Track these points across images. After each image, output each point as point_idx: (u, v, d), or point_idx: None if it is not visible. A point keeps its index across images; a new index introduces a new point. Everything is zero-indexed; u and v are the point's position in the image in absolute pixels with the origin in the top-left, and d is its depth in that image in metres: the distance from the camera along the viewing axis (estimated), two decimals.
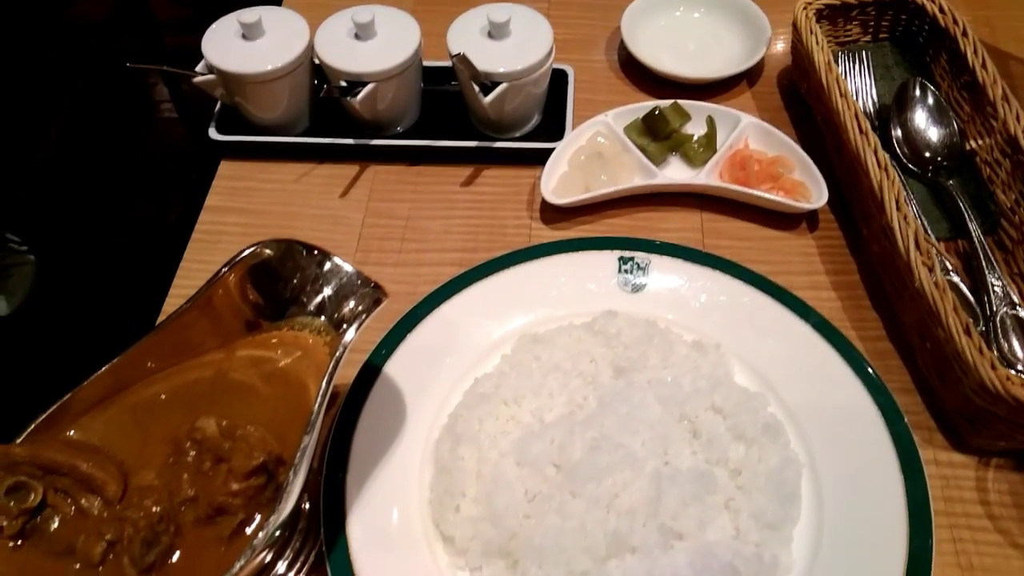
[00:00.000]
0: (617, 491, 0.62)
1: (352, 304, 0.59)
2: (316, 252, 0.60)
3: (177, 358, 0.60)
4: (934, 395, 0.72)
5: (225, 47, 0.84)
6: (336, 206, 0.88)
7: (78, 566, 0.52)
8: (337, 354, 0.55)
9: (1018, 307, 0.73)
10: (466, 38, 0.84)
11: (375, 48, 0.84)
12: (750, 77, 0.97)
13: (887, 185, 0.74)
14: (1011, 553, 0.65)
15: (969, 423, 0.68)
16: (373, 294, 0.58)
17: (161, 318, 0.74)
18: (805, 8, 0.88)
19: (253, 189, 0.90)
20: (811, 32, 0.85)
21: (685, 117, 0.88)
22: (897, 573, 0.60)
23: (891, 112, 0.87)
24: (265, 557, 0.60)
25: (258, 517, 0.53)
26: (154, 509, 0.52)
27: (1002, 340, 0.72)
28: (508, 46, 0.83)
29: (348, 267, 0.60)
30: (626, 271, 0.77)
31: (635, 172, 0.85)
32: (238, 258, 0.59)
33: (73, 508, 0.53)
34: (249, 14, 0.83)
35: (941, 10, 0.87)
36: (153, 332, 0.59)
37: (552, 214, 0.86)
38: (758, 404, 0.68)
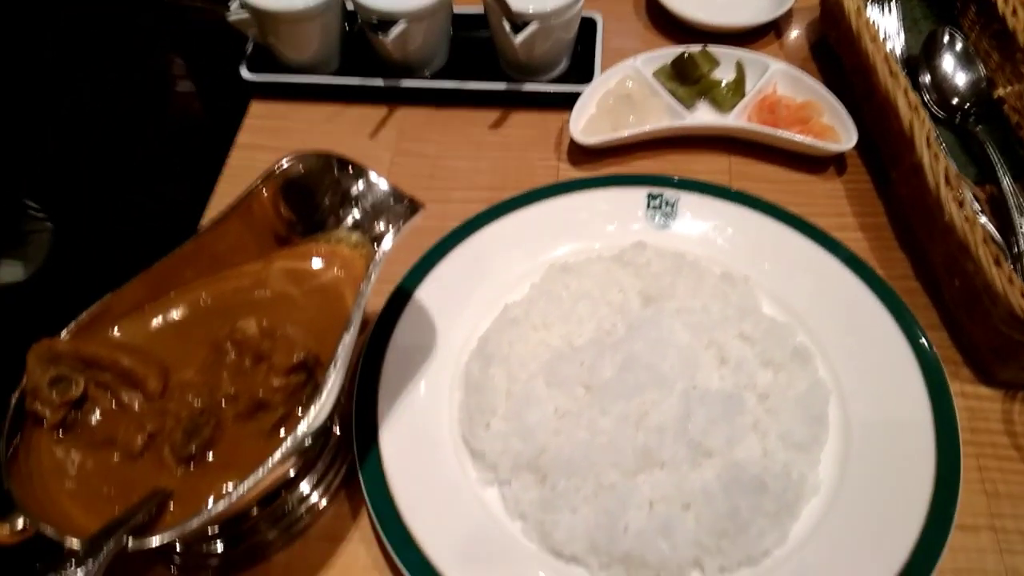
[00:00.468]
0: (646, 409, 0.62)
1: (387, 218, 0.59)
2: (352, 167, 0.60)
3: (214, 268, 0.61)
4: (961, 331, 0.72)
5: None
6: (365, 146, 0.89)
7: (118, 457, 0.53)
8: (376, 258, 0.55)
9: None
10: None
11: None
12: (778, 28, 0.98)
13: (917, 124, 0.74)
14: None
15: (996, 356, 0.68)
16: (409, 207, 0.58)
17: None
18: None
19: (283, 128, 0.91)
20: None
21: (714, 63, 0.89)
22: (924, 496, 0.60)
23: (919, 60, 0.87)
24: (292, 470, 0.60)
25: (298, 413, 0.53)
26: (195, 403, 0.53)
27: None
28: None
29: (384, 183, 0.60)
30: (655, 207, 0.77)
31: (664, 115, 0.86)
32: (277, 168, 0.60)
33: (114, 402, 0.54)
34: None
35: None
36: (191, 240, 0.59)
37: (580, 156, 0.86)
38: (786, 332, 0.68)
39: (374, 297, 0.68)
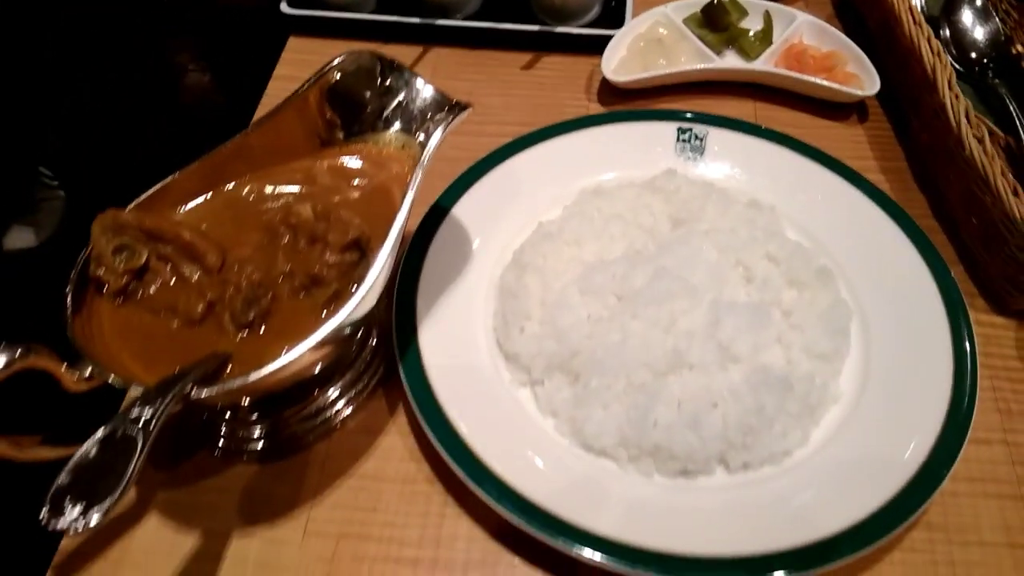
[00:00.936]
0: (676, 316, 0.65)
1: (434, 120, 0.61)
2: (403, 70, 0.63)
3: (265, 163, 0.63)
4: (977, 265, 0.75)
5: None
6: None
7: (178, 323, 0.55)
8: (425, 152, 0.58)
9: None
10: None
11: None
12: None
13: (940, 67, 0.77)
14: None
15: (1011, 286, 0.71)
16: (457, 107, 0.60)
17: None
18: None
19: (320, 63, 0.93)
20: None
21: (742, 12, 0.92)
22: (942, 407, 0.62)
23: (940, 18, 0.90)
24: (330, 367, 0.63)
25: (351, 290, 0.56)
26: (253, 276, 0.55)
27: None
28: None
29: (430, 88, 0.62)
30: (684, 140, 0.80)
31: (693, 59, 0.88)
32: (328, 66, 0.62)
33: (174, 275, 0.56)
34: None
35: None
36: (244, 133, 0.62)
37: (610, 97, 0.89)
38: (811, 255, 0.71)
39: (410, 219, 0.71)
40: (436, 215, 0.74)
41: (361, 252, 0.56)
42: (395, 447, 0.65)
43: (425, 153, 0.56)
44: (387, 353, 0.69)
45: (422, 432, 0.63)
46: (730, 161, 0.79)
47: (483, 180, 0.76)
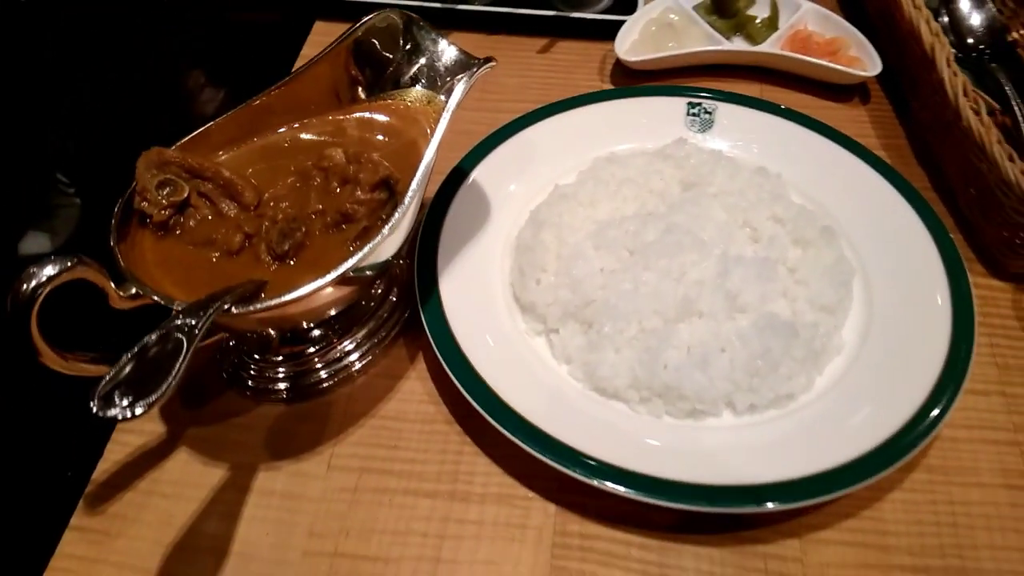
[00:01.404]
0: (686, 268, 0.68)
1: (458, 75, 0.65)
2: (430, 30, 0.66)
3: (299, 114, 0.67)
4: (975, 233, 0.78)
5: None
6: None
7: (217, 255, 0.58)
8: (451, 102, 0.61)
9: None
10: None
11: None
12: None
13: (938, 46, 0.80)
14: None
15: (1008, 249, 0.74)
16: (481, 62, 0.64)
17: None
18: None
19: None
20: None
21: (750, 0, 0.96)
22: (940, 356, 0.65)
23: (939, 5, 0.94)
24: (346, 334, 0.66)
25: (380, 226, 0.59)
26: (289, 211, 0.58)
27: None
28: None
29: (454, 49, 0.66)
30: (694, 114, 0.84)
31: (703, 43, 0.92)
32: (361, 24, 0.66)
33: (213, 211, 0.60)
34: None
35: None
36: (279, 84, 0.65)
37: (622, 78, 0.93)
38: (815, 216, 0.74)
39: (431, 184, 0.75)
40: (456, 178, 0.78)
41: (390, 191, 0.60)
42: (415, 390, 0.68)
43: (451, 100, 0.60)
44: (408, 306, 0.72)
45: (441, 376, 0.66)
46: (738, 133, 0.82)
47: (501, 148, 0.80)
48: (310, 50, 0.97)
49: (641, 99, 0.85)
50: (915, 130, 0.87)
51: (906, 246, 0.72)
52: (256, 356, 0.67)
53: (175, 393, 0.66)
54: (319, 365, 0.67)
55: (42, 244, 1.91)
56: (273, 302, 0.52)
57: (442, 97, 0.64)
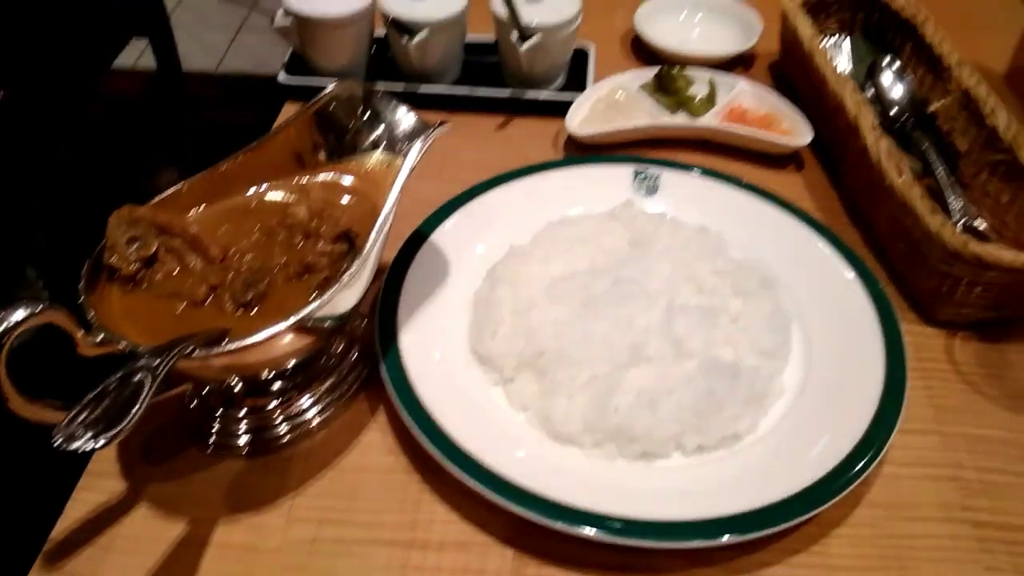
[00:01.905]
0: (634, 317, 0.71)
1: (415, 139, 0.69)
2: (388, 98, 0.71)
3: (264, 176, 0.70)
4: (906, 283, 0.83)
5: None
6: None
7: (182, 306, 0.60)
8: (407, 161, 0.65)
9: (977, 219, 0.85)
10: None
11: (431, 4, 0.99)
12: (745, 64, 1.13)
13: (863, 115, 0.87)
14: (977, 397, 0.74)
15: (936, 298, 0.79)
16: (436, 125, 0.69)
17: None
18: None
19: None
20: (796, 14, 1.02)
21: (689, 81, 1.03)
22: (875, 397, 0.68)
23: (864, 82, 1.02)
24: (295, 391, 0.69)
25: (340, 277, 0.62)
26: (253, 263, 0.61)
27: None
28: (543, 6, 0.99)
29: (412, 115, 0.71)
30: (640, 180, 0.89)
31: (648, 118, 0.99)
32: (323, 94, 0.71)
33: (179, 265, 0.63)
34: None
35: (904, 3, 1.04)
36: (245, 150, 0.69)
37: (574, 151, 0.99)
38: (754, 269, 0.78)
39: (392, 248, 0.79)
40: (416, 241, 0.81)
41: (350, 243, 0.63)
42: (375, 442, 0.70)
43: (408, 158, 0.64)
44: (368, 363, 0.74)
45: (401, 428, 0.68)
46: (681, 197, 0.88)
47: (459, 212, 0.84)
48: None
49: (590, 166, 0.90)
50: (847, 193, 0.94)
51: (841, 295, 0.77)
52: (219, 412, 0.69)
53: (138, 452, 0.68)
54: (280, 419, 0.69)
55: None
56: (234, 346, 0.55)
57: (401, 160, 0.68)
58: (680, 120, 1.00)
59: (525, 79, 1.03)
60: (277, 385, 0.69)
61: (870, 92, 1.00)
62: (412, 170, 0.66)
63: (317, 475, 0.68)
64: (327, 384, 0.71)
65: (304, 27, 1.00)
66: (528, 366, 0.71)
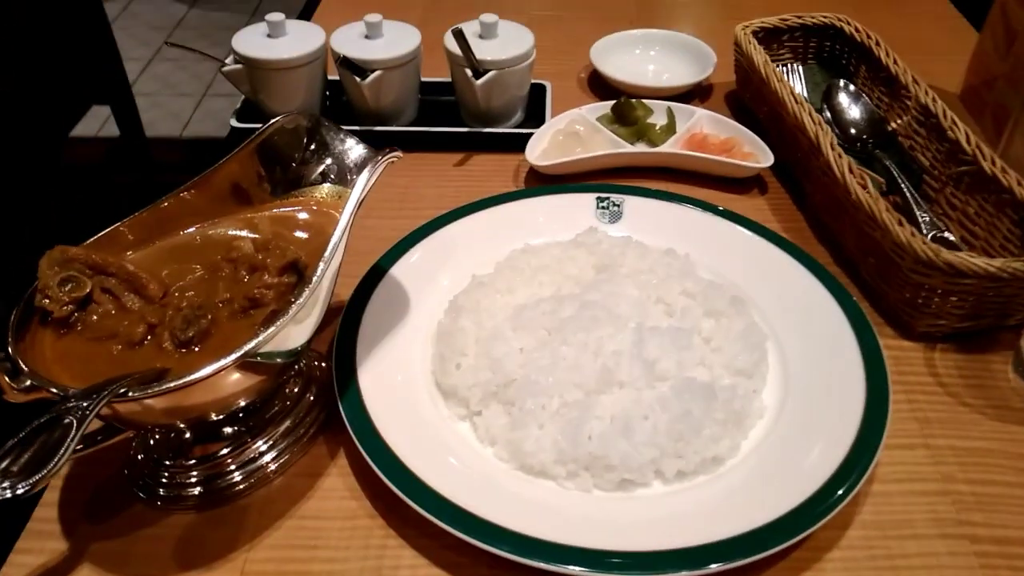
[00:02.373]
0: (603, 341, 0.68)
1: (365, 168, 0.66)
2: (336, 129, 0.69)
3: (209, 213, 0.67)
4: (880, 298, 0.81)
5: (252, 42, 0.98)
6: None
7: (119, 347, 0.57)
8: (357, 190, 0.63)
9: (944, 232, 0.84)
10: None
11: (383, 44, 0.99)
12: (702, 95, 1.13)
13: (822, 135, 0.86)
14: (962, 409, 0.71)
15: (912, 309, 0.77)
16: (387, 153, 0.66)
17: None
18: (744, 28, 1.05)
19: None
20: (749, 42, 1.02)
21: (648, 110, 1.03)
22: (857, 414, 0.65)
23: (821, 107, 1.02)
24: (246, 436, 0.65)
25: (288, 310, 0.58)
26: (194, 299, 0.58)
27: None
28: (496, 43, 0.98)
29: (361, 146, 0.69)
30: (603, 207, 0.87)
31: (607, 148, 0.98)
32: (269, 126, 0.68)
33: (116, 306, 0.59)
34: (275, 16, 0.98)
35: (856, 29, 1.05)
36: (186, 186, 0.66)
37: (535, 184, 0.97)
38: (724, 288, 0.76)
39: (350, 282, 0.76)
40: (375, 276, 0.78)
41: (299, 275, 0.60)
42: (335, 487, 0.65)
43: (357, 186, 0.62)
44: (326, 404, 0.70)
45: (363, 470, 0.64)
46: (645, 222, 0.86)
47: (419, 245, 0.82)
48: None
49: (553, 196, 0.88)
50: (812, 213, 0.92)
51: (815, 313, 0.75)
52: (168, 462, 0.64)
53: (81, 508, 0.63)
54: (233, 467, 0.64)
55: None
56: (173, 384, 0.51)
57: (351, 186, 0.65)
58: (642, 148, 0.99)
59: (483, 116, 1.02)
60: (229, 430, 0.64)
61: (827, 114, 1.00)
62: (363, 200, 0.64)
63: (274, 525, 0.63)
64: (283, 427, 0.67)
65: (254, 72, 0.98)
66: (495, 397, 0.67)
